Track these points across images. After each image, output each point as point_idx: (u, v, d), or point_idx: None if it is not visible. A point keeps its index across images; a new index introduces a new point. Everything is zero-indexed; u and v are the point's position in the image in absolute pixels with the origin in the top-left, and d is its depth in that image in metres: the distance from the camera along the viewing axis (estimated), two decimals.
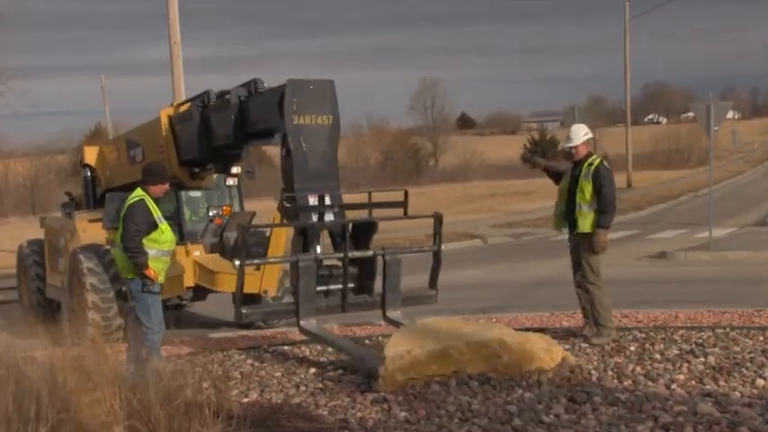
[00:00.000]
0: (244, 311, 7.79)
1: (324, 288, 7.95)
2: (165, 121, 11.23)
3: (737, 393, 6.24)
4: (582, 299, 8.44)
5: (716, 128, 22.65)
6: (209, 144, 10.34)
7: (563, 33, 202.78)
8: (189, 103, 11.08)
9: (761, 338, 7.98)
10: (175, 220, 12.14)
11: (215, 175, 12.07)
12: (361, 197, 8.93)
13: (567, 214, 8.48)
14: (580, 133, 8.48)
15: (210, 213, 12.31)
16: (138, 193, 7.74)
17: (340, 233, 7.99)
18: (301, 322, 7.77)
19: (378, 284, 8.21)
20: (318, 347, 8.58)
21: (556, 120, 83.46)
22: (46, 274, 13.57)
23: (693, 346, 7.70)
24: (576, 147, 8.41)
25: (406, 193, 8.41)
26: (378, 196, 8.57)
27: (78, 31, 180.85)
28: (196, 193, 12.46)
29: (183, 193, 12.09)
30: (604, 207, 8.15)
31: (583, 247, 8.32)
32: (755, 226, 22.76)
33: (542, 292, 13.32)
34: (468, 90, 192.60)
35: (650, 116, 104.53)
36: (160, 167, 8.18)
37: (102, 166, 13.40)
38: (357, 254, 7.93)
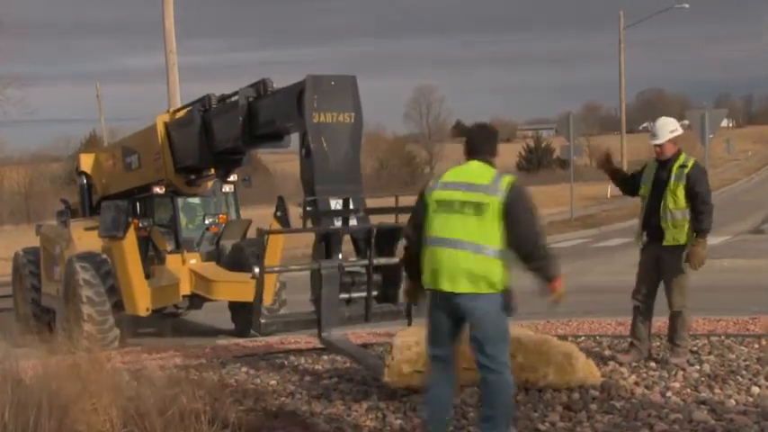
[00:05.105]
0: (263, 321, 7.46)
1: (346, 296, 7.52)
2: (160, 128, 11.25)
3: (733, 401, 6.24)
4: (642, 321, 7.50)
5: (710, 136, 22.78)
6: (211, 149, 10.16)
7: (558, 41, 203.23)
8: (187, 109, 11.08)
9: (756, 346, 7.99)
10: (171, 228, 12.19)
11: (210, 183, 12.10)
12: (384, 201, 8.55)
13: (648, 224, 7.41)
14: (666, 129, 7.33)
15: (206, 222, 12.32)
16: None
17: (364, 239, 7.53)
18: (323, 333, 7.34)
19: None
20: (314, 355, 8.58)
21: (551, 127, 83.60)
22: (41, 284, 13.57)
23: (688, 353, 7.70)
24: (661, 145, 7.31)
25: None
26: (405, 200, 8.00)
27: (74, 40, 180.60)
28: (193, 201, 12.50)
29: (179, 201, 12.10)
30: (702, 210, 7.12)
31: (673, 264, 7.28)
32: (751, 234, 22.80)
33: (537, 300, 13.30)
34: (464, 98, 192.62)
35: (645, 124, 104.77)
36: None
37: (97, 173, 13.42)
38: (383, 261, 7.48)
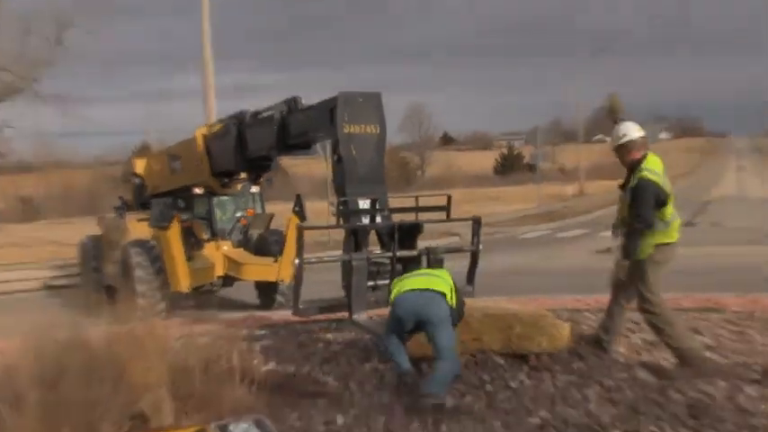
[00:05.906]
0: (301, 306, 7.19)
1: (372, 283, 7.29)
2: (199, 140, 11.29)
3: (667, 362, 6.30)
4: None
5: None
6: (244, 157, 10.08)
7: (528, 67, 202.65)
8: (222, 123, 11.10)
9: (684, 317, 8.02)
10: (208, 221, 12.29)
11: (240, 185, 12.18)
12: (403, 201, 8.45)
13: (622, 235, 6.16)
14: (617, 135, 6.02)
15: (237, 215, 12.45)
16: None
17: (388, 234, 7.34)
18: (353, 316, 7.15)
19: None
20: (325, 326, 8.60)
21: (521, 138, 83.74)
22: (102, 265, 13.64)
23: (631, 323, 7.73)
24: (615, 151, 6.09)
25: (449, 199, 7.56)
26: (422, 201, 7.82)
27: (128, 65, 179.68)
28: (226, 198, 12.58)
29: (214, 199, 12.20)
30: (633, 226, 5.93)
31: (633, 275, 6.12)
32: (683, 226, 22.89)
33: (503, 281, 13.33)
34: (449, 113, 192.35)
35: (598, 136, 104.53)
36: None
37: (148, 174, 13.47)
38: (404, 253, 7.24)
